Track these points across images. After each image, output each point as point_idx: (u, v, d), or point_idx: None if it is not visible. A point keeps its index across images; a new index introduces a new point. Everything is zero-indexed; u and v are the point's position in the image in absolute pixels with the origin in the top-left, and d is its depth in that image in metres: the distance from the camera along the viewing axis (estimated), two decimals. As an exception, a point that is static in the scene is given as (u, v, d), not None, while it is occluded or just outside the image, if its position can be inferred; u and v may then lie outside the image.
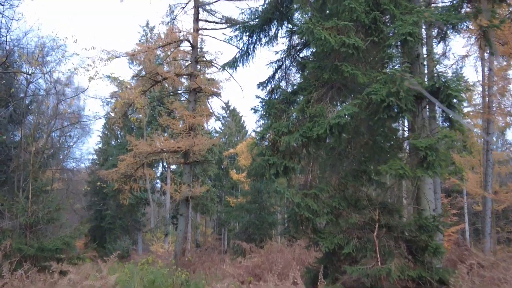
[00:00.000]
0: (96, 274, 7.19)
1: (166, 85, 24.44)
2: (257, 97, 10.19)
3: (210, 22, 22.14)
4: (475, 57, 24.50)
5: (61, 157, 27.07)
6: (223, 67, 11.83)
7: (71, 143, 31.43)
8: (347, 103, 8.95)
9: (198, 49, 22.26)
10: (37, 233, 10.68)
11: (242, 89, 23.19)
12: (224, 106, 48.59)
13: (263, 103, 9.97)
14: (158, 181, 46.71)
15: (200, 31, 22.03)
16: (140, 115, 38.07)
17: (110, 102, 27.87)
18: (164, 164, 44.57)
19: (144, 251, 37.70)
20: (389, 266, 8.28)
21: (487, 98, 18.63)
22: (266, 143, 9.66)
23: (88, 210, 43.91)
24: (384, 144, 9.90)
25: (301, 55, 10.96)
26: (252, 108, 10.29)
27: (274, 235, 20.69)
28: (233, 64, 11.79)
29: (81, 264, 10.49)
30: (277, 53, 10.93)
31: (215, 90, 22.39)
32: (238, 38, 11.34)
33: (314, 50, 10.10)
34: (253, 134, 52.24)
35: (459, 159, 24.08)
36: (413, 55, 9.15)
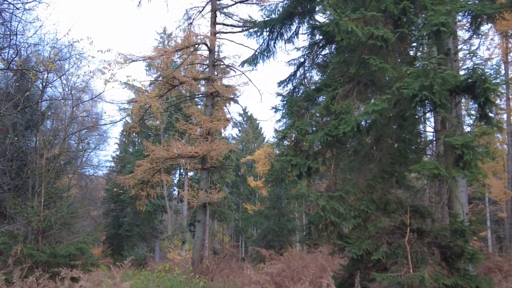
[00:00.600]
0: (108, 281, 6.71)
1: (183, 90, 24.11)
2: (279, 94, 9.68)
3: (228, 25, 21.73)
4: (497, 60, 23.75)
5: (78, 163, 26.80)
6: (243, 64, 11.32)
7: (88, 149, 31.20)
8: (374, 100, 8.35)
9: (215, 53, 21.85)
10: (50, 239, 10.24)
11: (260, 93, 22.43)
12: (242, 112, 48.14)
13: (285, 101, 9.43)
14: (175, 188, 46.41)
15: (217, 35, 21.62)
16: (158, 122, 37.85)
17: (127, 108, 27.54)
18: (182, 171, 44.31)
19: (161, 259, 37.30)
20: (422, 274, 7.67)
21: (511, 102, 17.93)
22: (288, 143, 9.08)
23: (106, 218, 43.68)
24: (409, 147, 9.30)
25: (323, 52, 10.41)
26: (273, 107, 9.79)
27: (294, 242, 20.03)
28: (252, 61, 11.27)
29: (95, 270, 10.01)
30: (298, 49, 10.40)
31: (232, 95, 21.94)
32: (258, 33, 10.84)
33: (338, 46, 9.52)
34: (271, 139, 51.78)
35: (481, 165, 23.26)
36: (445, 48, 8.56)
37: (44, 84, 16.30)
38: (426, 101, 7.72)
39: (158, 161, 20.77)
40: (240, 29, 21.52)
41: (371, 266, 8.50)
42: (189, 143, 22.00)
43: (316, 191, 8.92)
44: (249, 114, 49.51)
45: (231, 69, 21.79)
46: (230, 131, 54.45)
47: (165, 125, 35.58)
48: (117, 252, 38.79)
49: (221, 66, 22.03)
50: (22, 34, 11.29)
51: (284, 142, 9.10)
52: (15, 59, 9.97)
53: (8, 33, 10.10)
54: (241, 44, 22.50)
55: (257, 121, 50.44)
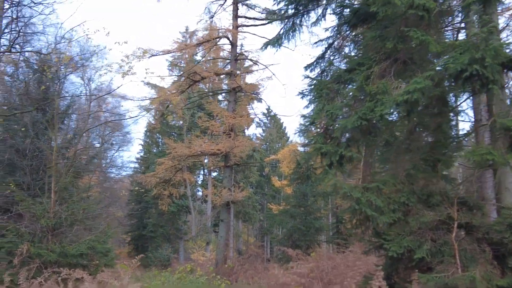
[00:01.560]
0: (115, 283, 5.92)
1: (203, 86, 23.36)
2: (306, 77, 8.74)
3: (250, 18, 20.86)
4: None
5: (97, 162, 26.28)
6: (266, 46, 10.39)
7: (104, 144, 30.68)
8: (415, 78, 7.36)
9: (237, 47, 21.00)
10: (60, 237, 9.49)
11: (284, 87, 21.46)
12: (265, 111, 47.23)
13: (313, 84, 8.49)
14: (199, 188, 45.77)
15: (239, 28, 20.78)
16: (181, 122, 37.24)
17: (147, 105, 26.89)
18: (205, 171, 43.62)
19: (185, 260, 36.57)
20: (473, 274, 6.69)
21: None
22: (317, 130, 8.15)
23: (130, 219, 43.25)
24: (448, 134, 8.27)
25: (354, 33, 9.42)
26: (299, 92, 8.84)
27: (321, 242, 19.01)
28: (277, 41, 10.32)
29: (111, 271, 9.20)
30: (326, 29, 9.44)
31: (255, 90, 21.08)
32: (282, 11, 9.92)
33: (371, 25, 8.52)
34: (295, 138, 50.78)
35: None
36: (491, 18, 7.53)
37: (59, 76, 15.66)
38: (475, 78, 6.71)
39: (180, 159, 20.02)
40: (262, 21, 20.65)
41: (413, 266, 7.52)
42: (212, 140, 21.17)
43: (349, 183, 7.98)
44: (272, 113, 48.55)
45: (254, 63, 20.91)
46: (254, 131, 53.40)
47: (188, 125, 34.91)
48: (142, 253, 38.19)
49: (244, 60, 21.17)
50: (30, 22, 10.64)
51: (313, 128, 8.15)
52: (19, 43, 9.24)
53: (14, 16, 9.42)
54: (264, 37, 21.61)
55: (281, 121, 49.45)
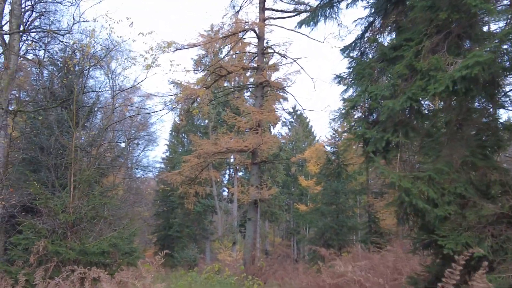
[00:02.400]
0: (135, 284, 5.21)
1: (227, 84, 22.66)
2: (346, 56, 7.89)
3: (277, 10, 20.09)
4: None
5: (125, 162, 25.84)
6: (300, 25, 9.56)
7: (135, 146, 30.17)
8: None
9: (264, 41, 20.23)
10: (80, 234, 8.84)
11: (314, 81, 20.55)
12: (292, 110, 46.39)
13: (354, 65, 7.65)
14: (225, 188, 45.22)
15: (266, 21, 20.01)
16: (206, 121, 36.70)
17: (176, 108, 26.33)
18: (231, 171, 43.02)
19: (212, 260, 36.03)
20: (542, 275, 5.78)
21: None
22: (359, 115, 7.31)
23: (156, 219, 42.91)
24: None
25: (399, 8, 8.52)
26: (336, 76, 8.01)
27: (355, 241, 18.08)
28: (312, 19, 9.46)
29: (133, 270, 8.52)
30: (366, 7, 8.58)
31: (283, 85, 20.29)
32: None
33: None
34: (322, 138, 49.70)
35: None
36: None
37: (82, 69, 15.16)
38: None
39: (206, 156, 19.34)
40: (290, 13, 19.86)
41: (470, 265, 6.62)
42: (238, 136, 20.45)
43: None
44: (299, 111, 47.68)
45: (282, 57, 20.11)
46: (280, 130, 52.34)
47: (214, 123, 34.35)
48: (168, 254, 37.78)
49: (271, 54, 20.38)
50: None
51: (354, 113, 7.32)
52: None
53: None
54: (292, 30, 20.80)
55: (307, 119, 48.52)
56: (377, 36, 8.43)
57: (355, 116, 7.43)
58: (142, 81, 16.61)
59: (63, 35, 13.07)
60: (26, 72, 22.74)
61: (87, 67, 14.86)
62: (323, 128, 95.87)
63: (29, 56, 21.29)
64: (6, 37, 11.63)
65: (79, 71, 16.50)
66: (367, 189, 20.70)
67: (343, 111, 7.42)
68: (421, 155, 7.23)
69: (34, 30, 12.22)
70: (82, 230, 8.90)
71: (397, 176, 6.39)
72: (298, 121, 47.51)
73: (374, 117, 7.17)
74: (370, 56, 8.33)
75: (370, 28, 8.45)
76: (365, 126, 6.97)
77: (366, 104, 7.07)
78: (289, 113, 47.02)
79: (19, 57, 12.13)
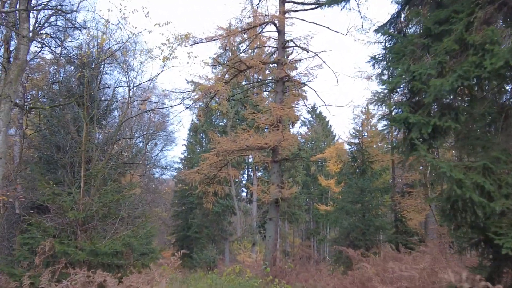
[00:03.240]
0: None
1: (245, 82, 21.91)
2: (383, 34, 7.04)
3: (298, 3, 19.25)
4: None
5: (143, 162, 25.23)
6: (330, 3, 8.71)
7: (153, 146, 29.51)
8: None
9: (284, 34, 19.40)
10: (91, 233, 8.11)
11: (336, 75, 19.61)
12: (311, 109, 45.43)
13: (392, 43, 6.79)
14: (243, 189, 44.51)
15: (286, 14, 19.19)
16: (225, 120, 36.02)
17: (194, 106, 25.62)
18: (250, 171, 42.25)
19: (231, 261, 35.28)
20: None
21: None
22: (400, 96, 6.45)
23: (175, 220, 42.37)
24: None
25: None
26: (372, 58, 7.18)
27: (382, 242, 17.09)
28: (343, -5, 8.65)
29: (146, 272, 7.75)
30: (403, -18, 7.71)
31: (304, 79, 19.45)
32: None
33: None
34: (341, 137, 48.58)
35: None
36: None
37: (96, 61, 14.52)
38: None
39: (225, 154, 18.59)
40: (311, 6, 19.01)
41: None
42: (259, 133, 19.64)
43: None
44: (318, 111, 46.74)
45: (303, 50, 19.25)
46: (299, 129, 51.28)
47: (232, 122, 33.64)
48: (187, 255, 37.22)
49: (292, 48, 19.54)
50: None
51: (394, 96, 6.47)
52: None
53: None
54: (313, 22, 19.85)
55: (327, 119, 47.50)
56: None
57: (396, 98, 6.56)
58: (158, 74, 15.95)
59: (79, 29, 12.42)
60: (44, 73, 22.27)
61: (101, 61, 14.19)
62: (346, 124, 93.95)
63: (45, 55, 20.84)
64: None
65: (93, 63, 15.89)
66: (393, 187, 19.74)
67: (381, 95, 6.56)
68: (471, 142, 6.34)
69: (42, 8, 11.55)
70: (94, 229, 8.18)
71: (447, 165, 5.52)
72: (318, 121, 46.56)
73: (418, 100, 6.29)
74: (411, 33, 7.43)
75: (407, 6, 7.57)
76: (408, 109, 6.10)
77: (409, 86, 6.21)
78: (309, 112, 46.12)
79: (30, 51, 11.51)
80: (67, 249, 7.20)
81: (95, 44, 13.53)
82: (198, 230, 37.01)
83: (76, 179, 17.08)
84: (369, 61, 7.31)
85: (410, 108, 6.17)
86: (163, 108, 18.74)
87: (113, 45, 15.11)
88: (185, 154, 45.55)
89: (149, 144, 38.47)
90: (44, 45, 17.81)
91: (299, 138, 40.58)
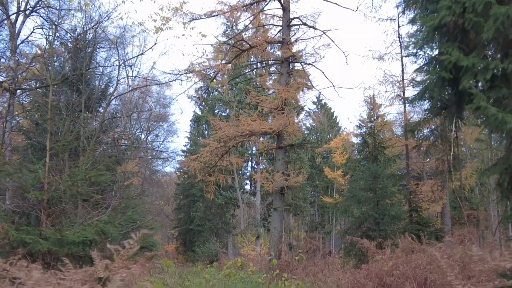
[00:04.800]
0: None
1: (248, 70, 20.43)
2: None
3: (304, -23, 17.74)
4: None
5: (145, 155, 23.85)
6: None
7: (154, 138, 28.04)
8: None
9: (290, 12, 17.89)
10: (58, 218, 6.63)
11: (345, 55, 18.07)
12: (316, 99, 43.92)
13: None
14: (247, 181, 43.13)
15: (292, -11, 17.69)
16: (228, 110, 34.57)
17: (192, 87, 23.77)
18: (254, 163, 40.85)
19: (234, 255, 33.90)
20: None
21: None
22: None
23: (178, 213, 40.98)
24: None
25: None
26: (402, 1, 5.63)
27: (397, 232, 15.52)
28: None
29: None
30: None
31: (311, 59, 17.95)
32: None
33: None
34: (347, 127, 46.78)
35: None
36: None
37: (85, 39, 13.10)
38: None
39: (226, 140, 17.13)
40: (318, -20, 17.48)
41: None
42: (262, 118, 18.12)
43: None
44: (323, 102, 45.16)
45: (310, 28, 17.72)
46: (303, 120, 49.56)
47: (235, 111, 32.16)
48: (190, 248, 35.87)
49: (297, 26, 18.01)
50: None
51: (435, 37, 4.95)
52: None
53: None
54: (323, -1, 18.29)
55: (332, 110, 45.91)
56: None
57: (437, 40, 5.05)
58: (152, 47, 14.55)
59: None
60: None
61: (89, 29, 12.75)
62: (356, 107, 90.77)
63: (38, 36, 19.52)
64: None
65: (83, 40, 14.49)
66: (407, 174, 18.21)
67: (419, 36, 5.04)
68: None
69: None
70: (62, 213, 6.71)
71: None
72: (323, 111, 45.01)
73: (471, 39, 4.78)
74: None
75: None
76: (457, 52, 4.59)
77: (457, 20, 4.68)
78: (314, 102, 44.59)
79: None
80: (25, 237, 5.74)
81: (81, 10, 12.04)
82: (200, 223, 35.60)
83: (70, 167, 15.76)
84: (397, 6, 5.84)
85: (460, 50, 4.69)
86: (157, 84, 17.13)
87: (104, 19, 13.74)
88: (188, 147, 44.21)
89: (150, 135, 37.14)
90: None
91: (304, 129, 39.07)
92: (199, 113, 39.34)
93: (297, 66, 18.26)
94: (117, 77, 12.22)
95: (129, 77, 15.83)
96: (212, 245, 30.65)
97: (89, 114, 15.33)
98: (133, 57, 14.57)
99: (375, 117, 18.46)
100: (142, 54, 12.07)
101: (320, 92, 41.68)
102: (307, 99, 70.32)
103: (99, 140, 11.87)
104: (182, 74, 14.00)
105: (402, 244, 10.49)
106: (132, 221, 8.73)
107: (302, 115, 39.41)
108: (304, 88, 18.44)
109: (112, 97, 13.61)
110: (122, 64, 11.91)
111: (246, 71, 20.13)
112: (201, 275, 10.78)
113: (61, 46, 18.24)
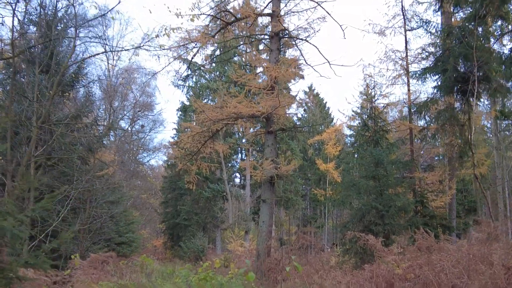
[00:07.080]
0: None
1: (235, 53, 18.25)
2: None
3: None
4: None
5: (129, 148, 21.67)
6: None
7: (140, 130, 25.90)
8: None
9: (280, -20, 15.76)
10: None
11: (343, 28, 15.94)
12: (308, 89, 41.81)
13: None
14: (237, 174, 41.03)
15: (283, -44, 15.57)
16: (216, 99, 32.44)
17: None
18: (243, 155, 38.77)
19: (223, 250, 31.76)
20: None
21: None
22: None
23: (165, 207, 38.72)
24: None
25: None
26: None
27: (403, 227, 13.34)
28: None
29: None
30: None
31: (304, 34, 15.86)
32: None
33: None
34: (341, 118, 44.70)
35: None
36: None
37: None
38: None
39: (209, 123, 15.03)
40: None
41: None
42: (249, 99, 15.97)
43: None
44: (315, 92, 43.05)
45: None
46: (294, 111, 47.24)
47: (223, 99, 30.04)
48: (177, 243, 33.64)
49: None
50: None
51: None
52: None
53: None
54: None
55: (324, 101, 43.79)
56: None
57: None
58: (115, 6, 12.32)
59: None
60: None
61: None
62: (355, 86, 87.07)
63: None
64: None
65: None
66: (411, 161, 16.04)
67: None
68: None
69: None
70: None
71: None
72: (315, 102, 42.87)
73: None
74: None
75: None
76: None
77: None
78: (305, 92, 42.47)
79: None
80: None
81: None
82: (187, 217, 33.29)
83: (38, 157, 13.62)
84: None
85: None
86: (126, 49, 14.82)
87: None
88: (175, 138, 41.97)
89: (134, 125, 34.96)
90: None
91: (295, 120, 36.97)
92: (187, 103, 37.11)
93: (289, 41, 16.15)
94: (74, 43, 9.99)
95: (86, 40, 13.42)
96: (199, 240, 28.41)
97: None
98: (93, 18, 12.24)
99: (376, 98, 16.33)
100: (103, 15, 9.81)
101: (313, 68, 39.48)
102: (299, 89, 68.05)
103: (51, 121, 9.74)
104: (149, 41, 11.73)
105: (418, 242, 8.43)
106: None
107: (294, 105, 37.35)
108: (298, 67, 16.31)
109: (72, 64, 11.38)
110: (79, 26, 9.66)
111: (233, 39, 17.80)
112: (170, 280, 8.66)
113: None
